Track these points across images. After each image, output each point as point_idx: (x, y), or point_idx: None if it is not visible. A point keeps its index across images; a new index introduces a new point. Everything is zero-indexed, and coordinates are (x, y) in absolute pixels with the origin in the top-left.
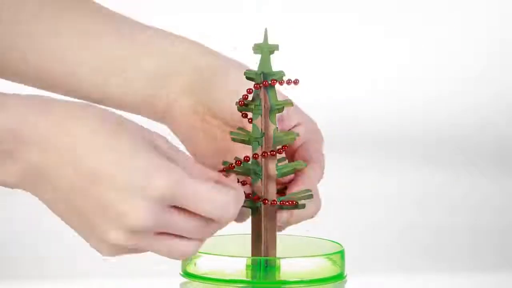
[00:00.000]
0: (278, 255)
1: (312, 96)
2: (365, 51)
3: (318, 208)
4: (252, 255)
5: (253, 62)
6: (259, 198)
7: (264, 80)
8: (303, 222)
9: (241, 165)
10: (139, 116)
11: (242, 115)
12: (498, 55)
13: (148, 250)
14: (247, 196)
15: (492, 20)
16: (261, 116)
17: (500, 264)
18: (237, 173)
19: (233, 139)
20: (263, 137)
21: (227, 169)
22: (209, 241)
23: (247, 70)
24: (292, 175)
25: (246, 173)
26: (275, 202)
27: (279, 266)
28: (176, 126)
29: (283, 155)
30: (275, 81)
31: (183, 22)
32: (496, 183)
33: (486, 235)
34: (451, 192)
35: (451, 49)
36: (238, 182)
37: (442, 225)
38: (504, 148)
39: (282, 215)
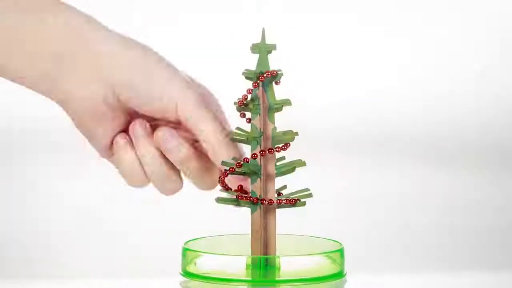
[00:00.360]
0: (277, 253)
1: (312, 96)
2: (365, 51)
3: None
4: (252, 254)
5: (251, 63)
6: (258, 198)
7: (261, 75)
8: (302, 222)
9: (242, 166)
10: None
11: (240, 115)
12: (498, 55)
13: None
14: (247, 197)
15: (492, 20)
16: (259, 115)
17: (500, 264)
18: (239, 174)
19: (232, 139)
20: (262, 137)
21: (230, 173)
22: (209, 241)
23: (245, 69)
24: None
25: (247, 173)
26: (272, 202)
27: (279, 265)
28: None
29: (282, 154)
30: (269, 73)
31: (183, 22)
32: (496, 183)
33: (486, 235)
34: (451, 192)
35: (451, 49)
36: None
37: (442, 225)
38: (504, 148)
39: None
